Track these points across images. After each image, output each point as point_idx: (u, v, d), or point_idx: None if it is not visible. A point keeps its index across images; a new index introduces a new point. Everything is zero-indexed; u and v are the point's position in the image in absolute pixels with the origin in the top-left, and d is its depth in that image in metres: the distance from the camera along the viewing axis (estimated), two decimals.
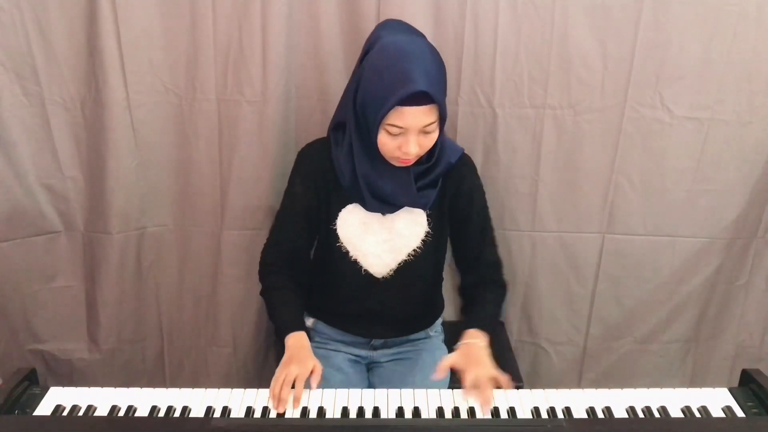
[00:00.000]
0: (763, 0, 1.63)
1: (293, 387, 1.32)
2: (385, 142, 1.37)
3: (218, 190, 1.81)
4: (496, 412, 1.28)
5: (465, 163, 1.56)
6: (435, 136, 1.39)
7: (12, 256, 1.80)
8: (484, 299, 1.57)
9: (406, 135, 1.34)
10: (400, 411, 1.28)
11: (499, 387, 1.32)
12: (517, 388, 1.45)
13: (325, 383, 1.38)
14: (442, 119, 1.37)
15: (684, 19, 1.64)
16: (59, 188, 1.77)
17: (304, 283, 1.63)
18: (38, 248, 1.82)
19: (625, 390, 1.34)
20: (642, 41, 1.66)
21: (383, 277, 1.56)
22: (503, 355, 1.87)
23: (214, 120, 1.73)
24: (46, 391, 1.30)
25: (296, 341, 1.45)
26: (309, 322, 1.67)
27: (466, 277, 1.64)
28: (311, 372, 1.35)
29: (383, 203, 1.49)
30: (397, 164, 1.42)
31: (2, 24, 1.58)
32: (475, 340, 1.44)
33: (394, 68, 1.30)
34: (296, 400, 1.30)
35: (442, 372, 1.37)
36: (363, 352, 1.66)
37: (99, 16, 1.58)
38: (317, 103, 1.75)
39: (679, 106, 1.73)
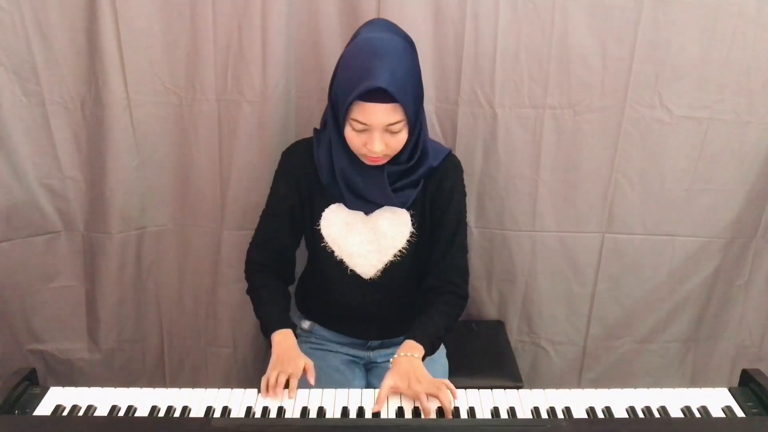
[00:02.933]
0: (762, 0, 1.63)
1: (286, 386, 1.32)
2: (351, 137, 1.36)
3: (218, 190, 1.81)
4: (496, 412, 1.28)
5: (451, 162, 1.53)
6: (402, 137, 1.37)
7: (12, 256, 1.80)
8: (437, 310, 1.48)
9: (370, 132, 1.33)
10: (400, 411, 1.28)
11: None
12: (517, 388, 1.45)
13: (323, 384, 1.38)
14: (411, 121, 1.35)
15: (683, 19, 1.64)
16: (59, 188, 1.77)
17: (291, 282, 1.63)
18: (38, 248, 1.82)
19: (625, 390, 1.34)
20: (642, 41, 1.67)
21: (371, 279, 1.56)
22: (503, 355, 1.88)
23: (214, 120, 1.73)
24: (46, 391, 1.29)
25: (282, 339, 1.44)
26: (306, 324, 1.67)
27: (428, 279, 1.54)
28: (304, 370, 1.35)
29: (362, 200, 1.47)
30: (366, 162, 1.41)
31: (2, 24, 1.58)
32: (409, 354, 1.37)
33: (360, 63, 1.30)
34: (291, 390, 1.30)
35: (381, 403, 1.28)
36: (360, 353, 1.66)
37: (99, 16, 1.58)
38: (317, 103, 1.75)
39: (679, 105, 1.74)
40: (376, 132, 1.33)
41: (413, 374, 1.32)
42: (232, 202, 1.81)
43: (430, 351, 1.43)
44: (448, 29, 1.67)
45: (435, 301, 1.51)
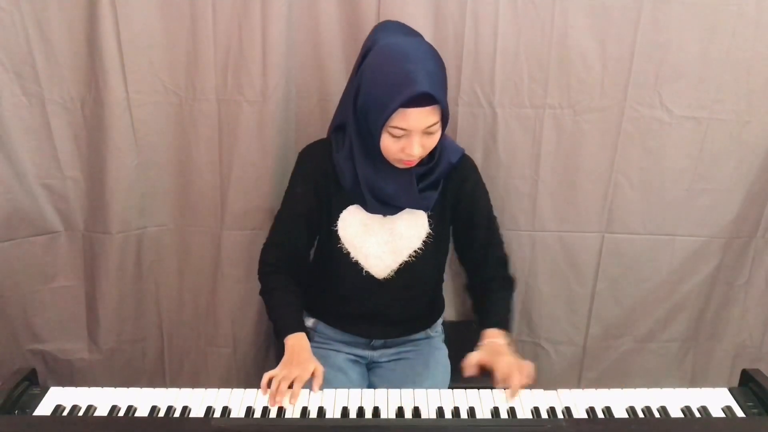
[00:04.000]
0: (762, 0, 1.63)
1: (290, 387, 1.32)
2: (388, 144, 1.36)
3: (218, 190, 1.81)
4: (496, 412, 1.28)
5: (466, 163, 1.56)
6: (438, 136, 1.39)
7: (12, 256, 1.80)
8: (497, 297, 1.56)
9: (410, 137, 1.34)
10: (400, 411, 1.28)
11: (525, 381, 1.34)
12: None
13: (325, 383, 1.37)
14: (444, 119, 1.37)
15: (683, 19, 1.64)
16: (59, 188, 1.77)
17: (304, 283, 1.63)
18: (38, 248, 1.82)
19: (625, 390, 1.34)
20: (641, 41, 1.67)
21: (384, 278, 1.56)
22: None
23: (214, 120, 1.73)
24: (46, 391, 1.30)
25: (296, 342, 1.45)
26: (309, 322, 1.66)
27: (474, 276, 1.63)
28: (312, 374, 1.35)
29: (384, 205, 1.48)
30: (400, 166, 1.42)
31: (2, 24, 1.58)
32: (497, 339, 1.45)
33: (396, 70, 1.30)
34: (293, 396, 1.30)
35: (470, 369, 1.38)
36: (363, 352, 1.66)
37: (99, 16, 1.58)
38: (317, 103, 1.75)
39: (678, 105, 1.74)
40: (416, 136, 1.34)
41: (500, 351, 1.41)
42: (232, 202, 1.81)
43: (508, 333, 1.50)
44: (448, 29, 1.67)
45: (491, 290, 1.58)
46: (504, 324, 1.50)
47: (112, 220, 1.79)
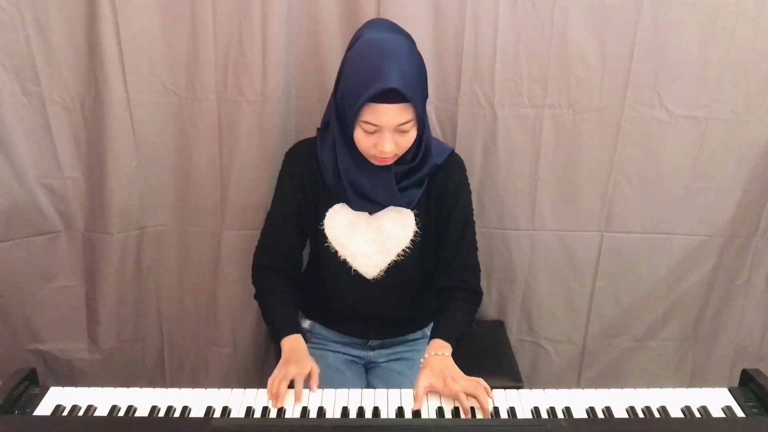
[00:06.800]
0: (761, 0, 1.63)
1: (291, 387, 1.32)
2: (360, 139, 1.36)
3: (218, 190, 1.81)
4: (496, 412, 1.28)
5: (454, 162, 1.54)
6: (412, 136, 1.37)
7: (12, 256, 1.80)
8: (455, 308, 1.50)
9: (381, 133, 1.33)
10: (400, 411, 1.28)
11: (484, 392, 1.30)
12: (517, 388, 1.45)
13: (322, 384, 1.38)
14: (420, 120, 1.36)
15: (682, 19, 1.65)
16: (59, 188, 1.77)
17: (298, 284, 1.63)
18: (38, 248, 1.82)
19: (625, 390, 1.34)
20: (641, 41, 1.67)
21: (374, 278, 1.56)
22: (503, 355, 1.88)
23: (214, 120, 1.73)
24: (46, 391, 1.30)
25: (293, 344, 1.45)
26: (306, 324, 1.67)
27: (441, 280, 1.56)
28: (309, 373, 1.35)
29: (367, 201, 1.47)
30: (375, 162, 1.41)
31: (2, 24, 1.58)
32: (439, 352, 1.38)
33: (369, 65, 1.29)
34: (297, 396, 1.30)
35: (420, 402, 1.29)
36: (360, 353, 1.66)
37: (99, 16, 1.58)
38: (317, 103, 1.75)
39: (678, 105, 1.74)
40: (387, 132, 1.33)
41: (448, 373, 1.33)
42: (232, 202, 1.81)
43: (455, 348, 1.43)
44: (448, 29, 1.67)
45: (452, 300, 1.52)
46: (450, 336, 1.43)
47: (112, 220, 1.79)
